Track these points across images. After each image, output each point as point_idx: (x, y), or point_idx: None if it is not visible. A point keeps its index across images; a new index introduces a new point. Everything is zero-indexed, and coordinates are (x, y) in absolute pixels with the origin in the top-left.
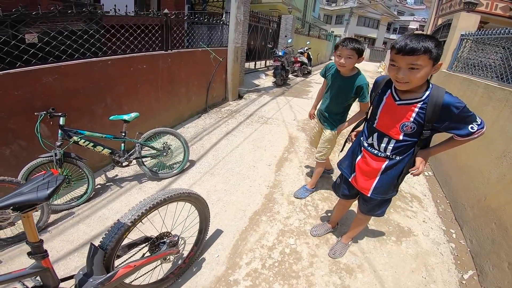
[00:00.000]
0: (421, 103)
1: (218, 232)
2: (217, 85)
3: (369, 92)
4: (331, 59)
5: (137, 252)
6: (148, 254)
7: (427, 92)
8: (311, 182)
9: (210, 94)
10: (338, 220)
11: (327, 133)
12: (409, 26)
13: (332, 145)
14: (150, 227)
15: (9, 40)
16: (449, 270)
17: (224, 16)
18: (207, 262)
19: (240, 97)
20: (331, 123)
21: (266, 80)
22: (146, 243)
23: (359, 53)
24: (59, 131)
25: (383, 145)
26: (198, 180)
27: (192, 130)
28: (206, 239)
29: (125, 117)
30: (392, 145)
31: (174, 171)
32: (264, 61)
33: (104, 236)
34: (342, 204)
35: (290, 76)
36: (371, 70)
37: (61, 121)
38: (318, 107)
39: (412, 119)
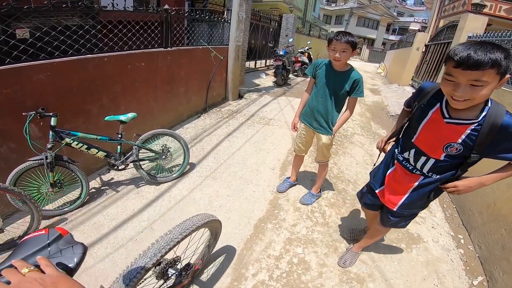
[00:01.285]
0: (476, 124)
1: (222, 241)
2: (217, 85)
3: (412, 100)
4: None
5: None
6: (156, 281)
7: (484, 112)
8: (315, 187)
9: (210, 93)
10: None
11: (325, 139)
12: (410, 27)
13: (331, 146)
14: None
15: None
16: (460, 277)
17: (225, 14)
18: (212, 274)
19: (240, 96)
20: (325, 127)
21: (267, 80)
22: (154, 268)
23: (353, 47)
24: (50, 133)
25: (419, 162)
26: (199, 185)
27: (192, 131)
28: (212, 252)
29: (122, 117)
30: (431, 164)
31: (174, 175)
32: (264, 61)
33: (123, 279)
34: (369, 215)
35: (290, 76)
36: (370, 71)
37: (53, 121)
38: (305, 111)
39: (460, 141)
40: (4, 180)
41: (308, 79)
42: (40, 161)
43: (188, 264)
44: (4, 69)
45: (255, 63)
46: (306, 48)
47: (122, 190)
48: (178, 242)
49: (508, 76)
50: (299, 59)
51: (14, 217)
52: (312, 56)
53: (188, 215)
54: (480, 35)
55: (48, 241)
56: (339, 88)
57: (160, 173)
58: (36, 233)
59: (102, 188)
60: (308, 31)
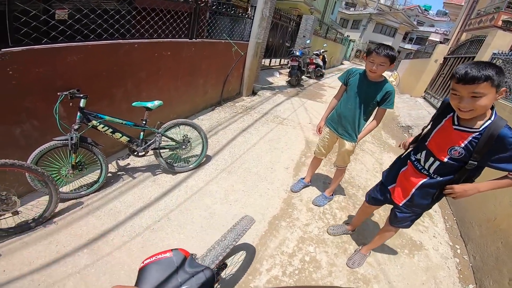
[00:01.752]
0: (477, 133)
1: None
2: (233, 79)
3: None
4: (343, 63)
5: None
6: None
7: (487, 123)
8: (329, 189)
9: (226, 87)
10: (359, 225)
11: (348, 145)
12: (429, 38)
13: (352, 153)
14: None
15: (39, 15)
16: (454, 284)
17: (249, 10)
18: (227, 268)
19: (254, 93)
20: (351, 134)
21: (280, 79)
22: None
23: (392, 61)
24: (78, 114)
25: (428, 163)
26: (215, 178)
27: (207, 123)
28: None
29: (149, 104)
30: (436, 165)
31: (190, 166)
32: (279, 60)
33: None
34: (363, 210)
35: (303, 77)
36: None
37: (82, 103)
38: (332, 116)
39: (463, 145)
40: (25, 158)
41: (321, 83)
42: (65, 141)
43: (224, 264)
44: (39, 49)
45: (270, 61)
46: (322, 50)
47: (139, 177)
48: (233, 247)
49: (504, 88)
50: (314, 61)
51: (26, 199)
52: (326, 59)
53: (205, 207)
54: (505, 53)
55: (176, 266)
56: (370, 98)
57: (177, 162)
58: (160, 256)
59: (119, 173)
60: (325, 33)
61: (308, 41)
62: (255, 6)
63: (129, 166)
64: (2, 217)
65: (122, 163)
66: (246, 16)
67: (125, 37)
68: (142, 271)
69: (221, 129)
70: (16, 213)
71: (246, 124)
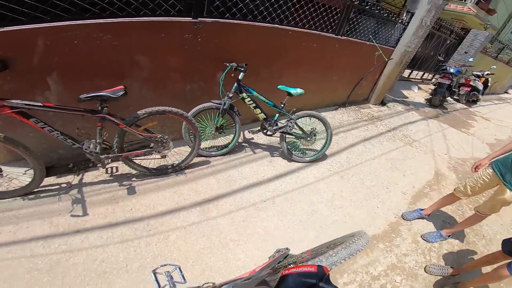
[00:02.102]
0: None
1: None
2: (365, 84)
3: None
4: (508, 92)
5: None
6: None
7: None
8: (450, 230)
9: (355, 90)
10: (467, 271)
11: (510, 196)
12: None
13: (508, 205)
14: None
15: None
16: None
17: (404, 15)
18: None
19: (383, 103)
20: None
21: (417, 94)
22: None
23: None
24: (235, 85)
25: None
26: (326, 178)
27: (329, 121)
28: None
29: (292, 90)
30: None
31: (307, 158)
32: (422, 73)
33: None
34: (496, 258)
35: (449, 98)
36: None
37: (240, 76)
38: (505, 159)
39: None
40: (187, 111)
41: (471, 111)
42: (218, 105)
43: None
44: (223, 22)
45: (410, 72)
46: (486, 72)
47: (258, 153)
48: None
49: None
50: (471, 83)
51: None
52: (489, 84)
53: (309, 203)
54: None
55: (315, 282)
56: None
57: (295, 151)
58: (306, 269)
59: (243, 144)
60: (496, 53)
61: (471, 59)
62: (411, 12)
63: (253, 141)
64: (152, 156)
65: (249, 136)
66: (399, 21)
67: (283, 23)
68: (283, 278)
69: (342, 131)
70: (164, 156)
71: (369, 134)
